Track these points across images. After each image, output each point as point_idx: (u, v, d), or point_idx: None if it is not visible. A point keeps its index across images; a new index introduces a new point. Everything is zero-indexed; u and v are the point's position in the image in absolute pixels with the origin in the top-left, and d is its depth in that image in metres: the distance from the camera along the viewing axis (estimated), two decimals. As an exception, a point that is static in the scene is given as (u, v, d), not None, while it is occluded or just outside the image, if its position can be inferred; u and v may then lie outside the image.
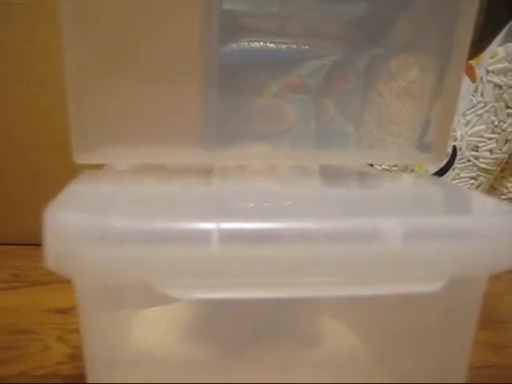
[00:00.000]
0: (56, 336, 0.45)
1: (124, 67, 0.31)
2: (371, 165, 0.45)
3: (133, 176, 0.31)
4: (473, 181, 0.72)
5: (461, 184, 0.71)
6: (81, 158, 0.31)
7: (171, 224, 0.21)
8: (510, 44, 0.69)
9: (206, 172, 0.32)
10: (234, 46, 0.33)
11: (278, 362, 0.31)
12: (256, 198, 0.25)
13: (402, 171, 0.56)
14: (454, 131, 0.72)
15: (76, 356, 0.42)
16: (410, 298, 0.23)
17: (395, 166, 0.39)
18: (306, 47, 0.34)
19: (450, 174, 0.72)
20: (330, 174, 0.33)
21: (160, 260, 0.21)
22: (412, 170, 0.36)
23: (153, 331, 0.35)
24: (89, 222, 0.21)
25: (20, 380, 0.39)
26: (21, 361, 0.41)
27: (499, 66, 0.69)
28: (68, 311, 0.50)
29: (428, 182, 0.33)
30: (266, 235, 0.21)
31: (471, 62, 0.71)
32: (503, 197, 0.74)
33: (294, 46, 0.34)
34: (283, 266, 0.21)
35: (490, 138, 0.70)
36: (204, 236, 0.21)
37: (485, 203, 0.28)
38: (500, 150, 0.70)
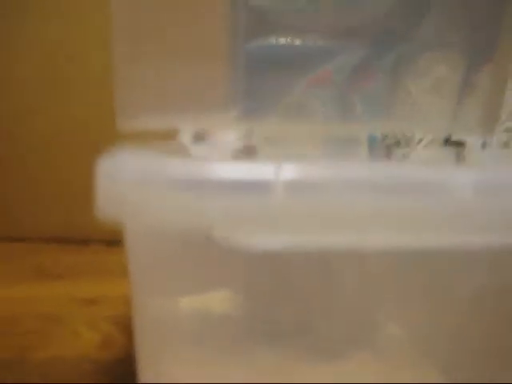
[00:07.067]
0: (85, 323, 0.44)
1: (162, 48, 0.32)
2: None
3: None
4: None
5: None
6: (124, 126, 0.30)
7: (231, 168, 0.20)
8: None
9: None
10: (261, 42, 0.33)
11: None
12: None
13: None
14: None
15: (107, 343, 0.41)
16: (485, 256, 0.21)
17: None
18: (333, 43, 0.34)
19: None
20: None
21: (219, 207, 0.20)
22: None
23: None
24: (147, 166, 0.20)
25: (52, 364, 0.38)
26: (51, 345, 0.40)
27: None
28: (95, 301, 0.49)
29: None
30: (331, 183, 0.20)
31: None
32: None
33: (321, 43, 0.34)
34: (345, 218, 0.20)
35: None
36: (265, 183, 0.20)
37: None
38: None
